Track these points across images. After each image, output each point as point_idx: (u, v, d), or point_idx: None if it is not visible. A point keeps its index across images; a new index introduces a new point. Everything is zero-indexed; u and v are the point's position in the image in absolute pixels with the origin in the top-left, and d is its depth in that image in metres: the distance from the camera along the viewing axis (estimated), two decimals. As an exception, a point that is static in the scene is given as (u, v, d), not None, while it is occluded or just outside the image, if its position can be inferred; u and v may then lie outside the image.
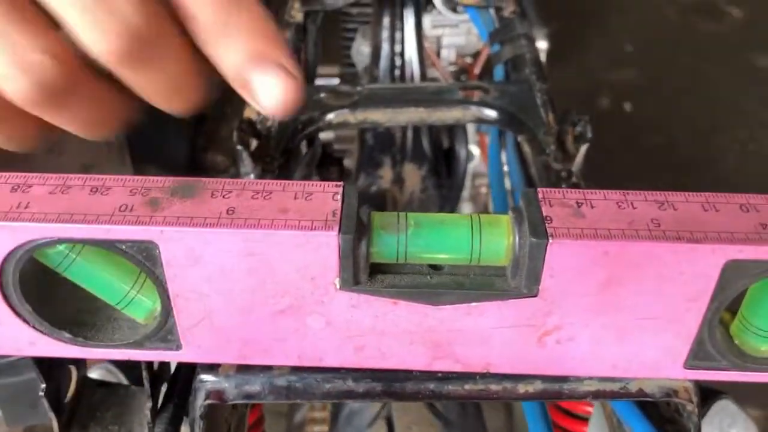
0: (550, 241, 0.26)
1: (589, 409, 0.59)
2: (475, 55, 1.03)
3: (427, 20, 0.98)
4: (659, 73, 1.98)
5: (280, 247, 0.27)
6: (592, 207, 0.27)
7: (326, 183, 0.28)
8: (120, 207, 0.27)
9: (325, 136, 1.04)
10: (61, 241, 0.27)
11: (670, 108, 1.86)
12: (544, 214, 0.27)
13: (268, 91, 0.27)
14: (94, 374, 0.57)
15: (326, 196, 0.28)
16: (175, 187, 0.28)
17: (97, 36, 0.25)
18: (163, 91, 0.28)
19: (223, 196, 0.28)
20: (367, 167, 0.95)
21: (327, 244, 0.26)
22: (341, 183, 0.28)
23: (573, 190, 0.28)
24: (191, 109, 0.30)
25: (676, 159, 1.71)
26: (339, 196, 0.28)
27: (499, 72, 0.68)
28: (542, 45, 1.02)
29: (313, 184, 0.28)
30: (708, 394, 0.63)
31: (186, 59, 0.27)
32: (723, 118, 1.83)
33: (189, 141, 1.35)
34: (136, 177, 0.28)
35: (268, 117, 0.58)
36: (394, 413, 0.55)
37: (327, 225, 0.26)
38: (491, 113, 0.59)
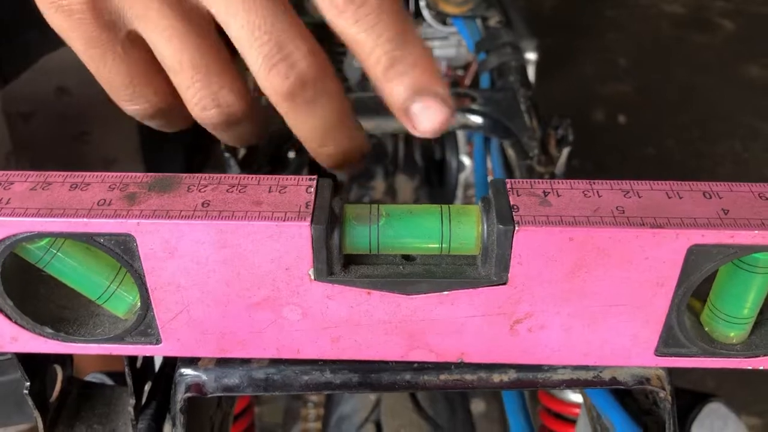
0: (517, 228, 0.26)
1: (577, 410, 0.60)
2: (466, 67, 1.04)
3: (417, 33, 0.99)
4: (653, 85, 1.99)
5: (253, 238, 0.27)
6: (558, 196, 0.28)
7: (300, 177, 0.29)
8: (98, 201, 0.28)
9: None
10: (40, 235, 0.28)
11: (664, 120, 1.88)
12: (512, 203, 0.27)
13: (427, 119, 0.30)
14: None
15: (300, 189, 0.28)
16: (152, 182, 0.29)
17: (270, 77, 0.30)
18: (318, 131, 0.33)
19: (199, 190, 0.28)
20: (359, 178, 0.96)
21: (300, 235, 0.27)
22: (315, 176, 0.29)
23: (541, 180, 0.29)
24: (341, 159, 0.35)
25: (671, 170, 1.72)
26: (312, 189, 0.28)
27: (485, 80, 0.69)
28: (531, 56, 1.03)
29: (287, 178, 0.29)
30: (698, 396, 0.64)
31: (338, 104, 0.32)
32: (717, 128, 1.84)
33: (185, 157, 1.36)
34: (115, 174, 0.29)
35: None
36: (383, 417, 0.55)
37: (300, 216, 0.27)
38: (476, 119, 0.60)
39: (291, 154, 0.60)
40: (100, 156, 0.74)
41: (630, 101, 1.95)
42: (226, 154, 0.55)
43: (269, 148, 0.58)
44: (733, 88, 1.97)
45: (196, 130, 0.36)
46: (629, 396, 0.36)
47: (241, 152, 0.57)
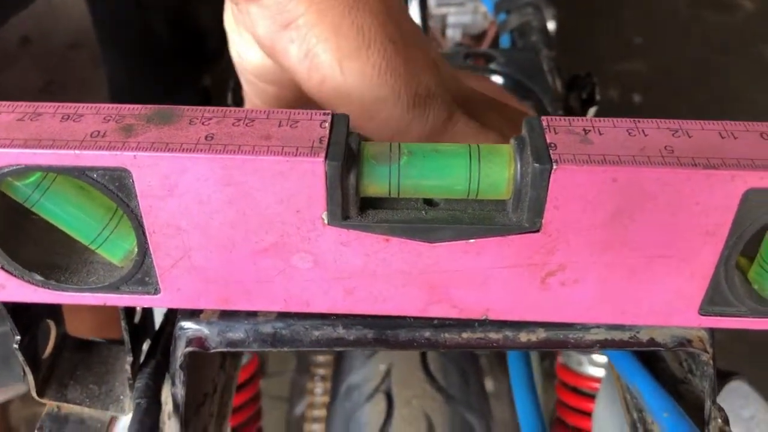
0: (555, 167, 0.24)
1: (596, 385, 0.57)
2: (479, 37, 1.01)
3: (432, -2, 0.96)
4: (668, 64, 1.95)
5: (261, 175, 0.25)
6: (600, 134, 0.25)
7: (314, 111, 0.26)
8: (91, 133, 0.25)
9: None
10: (27, 168, 0.25)
11: (679, 99, 1.84)
12: (549, 141, 0.25)
13: None
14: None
15: (313, 123, 0.26)
16: (151, 114, 0.26)
17: None
18: None
19: (203, 123, 0.26)
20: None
21: (312, 172, 0.24)
22: (330, 111, 0.26)
23: (580, 118, 0.26)
24: None
25: (686, 149, 1.68)
26: (327, 124, 0.26)
27: (505, 41, 0.67)
28: (551, 26, 0.99)
29: (299, 112, 0.26)
30: (720, 374, 0.61)
31: None
32: (733, 108, 1.80)
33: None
34: (112, 105, 0.27)
35: None
36: (394, 387, 0.53)
37: (313, 151, 0.24)
38: (497, 79, 0.57)
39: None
40: (62, 45, 0.73)
41: (645, 80, 1.90)
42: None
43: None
44: (750, 68, 1.93)
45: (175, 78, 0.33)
46: (663, 363, 0.34)
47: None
